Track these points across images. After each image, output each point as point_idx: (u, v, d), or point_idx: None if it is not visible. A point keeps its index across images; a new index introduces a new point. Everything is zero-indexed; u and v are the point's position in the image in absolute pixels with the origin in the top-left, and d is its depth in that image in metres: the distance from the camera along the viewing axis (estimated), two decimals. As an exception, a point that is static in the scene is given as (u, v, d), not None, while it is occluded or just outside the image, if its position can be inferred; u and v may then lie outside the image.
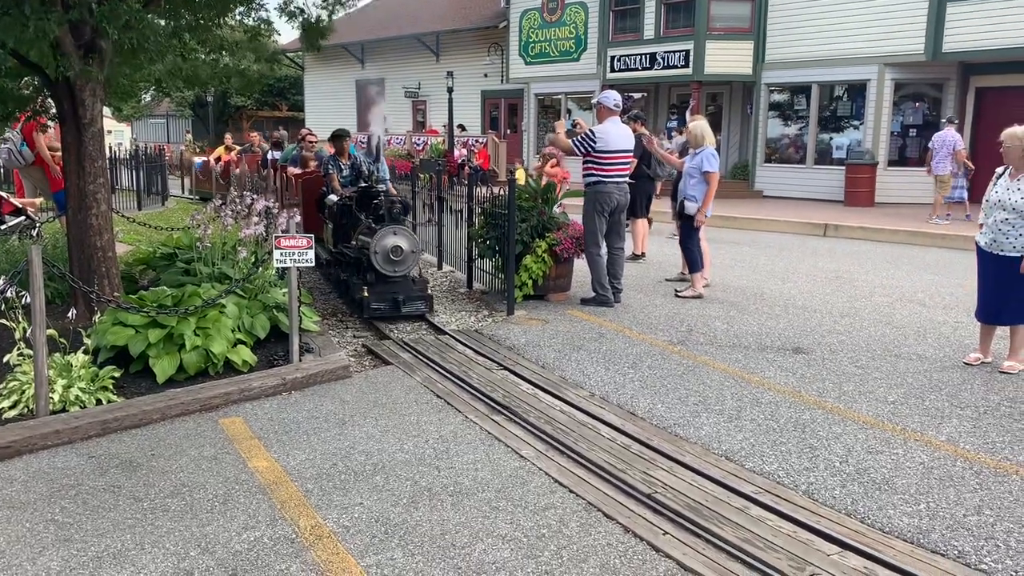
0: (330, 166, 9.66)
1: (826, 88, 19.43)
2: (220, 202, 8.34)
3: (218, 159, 19.43)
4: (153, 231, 10.48)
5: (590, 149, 7.96)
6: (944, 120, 15.95)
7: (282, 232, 6.15)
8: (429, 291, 7.88)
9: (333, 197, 9.10)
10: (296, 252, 5.92)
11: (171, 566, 3.43)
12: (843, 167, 18.52)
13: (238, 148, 19.43)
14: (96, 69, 6.22)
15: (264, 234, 7.62)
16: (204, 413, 5.25)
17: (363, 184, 8.70)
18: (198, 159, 21.81)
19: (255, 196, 8.24)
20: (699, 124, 8.88)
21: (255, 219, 7.57)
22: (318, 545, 3.59)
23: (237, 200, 8.34)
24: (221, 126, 36.31)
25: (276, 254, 5.91)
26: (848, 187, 18.17)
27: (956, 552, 3.56)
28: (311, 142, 12.45)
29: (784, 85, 20.04)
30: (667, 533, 3.70)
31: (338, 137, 9.75)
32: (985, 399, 5.50)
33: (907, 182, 18.34)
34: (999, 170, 6.32)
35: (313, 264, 6.16)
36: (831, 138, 19.56)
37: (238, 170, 16.25)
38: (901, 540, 3.66)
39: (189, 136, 37.70)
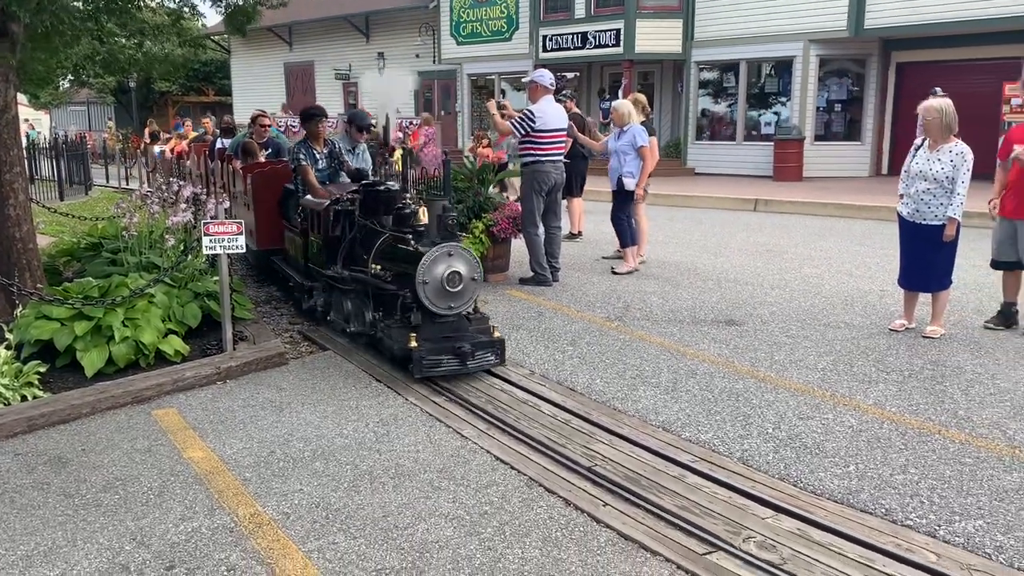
0: (301, 156, 7.31)
1: (754, 65, 19.77)
2: (147, 190, 8.11)
3: (174, 149, 17.71)
4: (77, 221, 10.14)
5: (529, 129, 7.96)
6: (932, 92, 16.38)
7: (211, 218, 6.01)
8: (492, 327, 5.63)
9: (310, 198, 7.01)
10: (226, 238, 5.79)
11: (105, 561, 3.35)
12: (772, 143, 18.90)
13: (193, 135, 17.48)
14: (7, 54, 5.97)
15: (193, 221, 7.44)
16: (136, 405, 5.12)
17: (368, 180, 6.74)
18: (157, 148, 20.34)
19: (182, 183, 8.03)
20: (623, 102, 8.96)
21: (183, 206, 7.38)
22: (258, 533, 3.54)
23: (164, 187, 8.13)
24: (145, 113, 35.21)
25: (205, 241, 5.77)
26: (777, 162, 18.56)
27: (884, 510, 3.69)
28: (264, 126, 10.16)
29: (713, 63, 20.31)
30: (607, 504, 3.75)
31: (312, 117, 7.60)
32: (909, 363, 5.71)
33: (833, 156, 18.83)
34: (917, 141, 6.52)
35: (244, 251, 6.03)
36: (760, 114, 19.94)
37: (188, 162, 13.69)
38: (832, 501, 3.79)
39: (111, 124, 36.48)
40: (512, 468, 4.15)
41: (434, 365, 5.22)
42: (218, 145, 11.85)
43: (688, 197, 15.94)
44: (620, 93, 19.20)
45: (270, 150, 9.76)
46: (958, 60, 17.39)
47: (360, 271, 5.99)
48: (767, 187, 17.07)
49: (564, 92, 11.23)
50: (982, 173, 7.07)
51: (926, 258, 6.41)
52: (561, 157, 8.26)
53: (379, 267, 5.76)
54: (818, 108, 18.97)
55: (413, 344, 5.22)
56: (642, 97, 9.69)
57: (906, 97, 17.62)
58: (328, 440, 4.54)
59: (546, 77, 8.23)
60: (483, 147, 13.27)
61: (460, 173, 8.58)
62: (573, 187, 10.73)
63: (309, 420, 4.84)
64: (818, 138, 18.96)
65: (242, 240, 5.84)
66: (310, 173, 7.26)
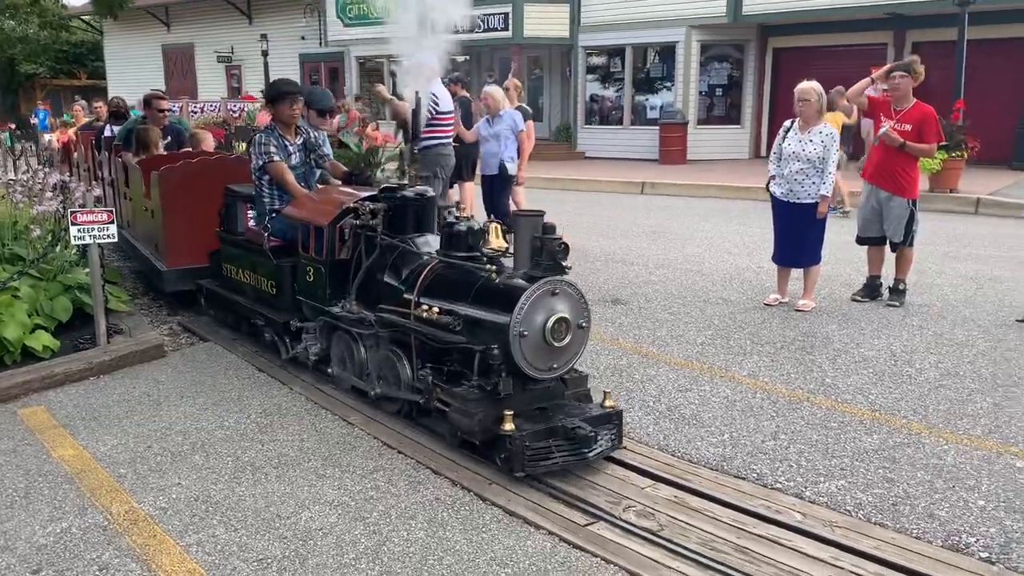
0: (272, 149, 5.49)
1: (639, 50, 20.20)
2: (11, 179, 7.65)
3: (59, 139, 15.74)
4: (-68, 213, 9.47)
5: (435, 112, 7.97)
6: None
7: (79, 207, 5.72)
8: (604, 393, 4.11)
9: (294, 209, 5.28)
10: (96, 228, 5.53)
11: (-35, 569, 3.17)
12: (657, 127, 19.38)
13: (85, 121, 14.65)
14: None
15: (61, 211, 7.06)
16: (0, 405, 4.85)
17: (388, 185, 5.18)
18: (47, 136, 17.97)
19: (48, 170, 7.59)
20: (495, 88, 9.00)
21: (48, 195, 6.99)
22: (133, 530, 3.42)
23: (28, 175, 7.68)
24: (11, 96, 33.13)
25: (73, 230, 5.49)
26: (662, 146, 19.05)
27: (755, 475, 3.88)
28: (162, 111, 8.47)
29: (600, 48, 20.64)
30: (494, 483, 3.79)
31: (283, 95, 5.59)
32: (782, 335, 5.99)
33: (715, 139, 19.45)
34: (787, 124, 6.82)
35: (115, 239, 5.75)
36: (646, 99, 20.41)
37: (76, 154, 11.59)
38: (707, 468, 3.94)
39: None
40: (399, 452, 4.14)
41: (542, 456, 3.72)
42: (106, 133, 9.65)
43: (578, 181, 16.18)
44: (510, 76, 19.27)
45: (168, 139, 8.32)
46: (830, 46, 18.23)
47: (396, 312, 4.37)
48: (654, 170, 17.50)
49: (453, 75, 11.17)
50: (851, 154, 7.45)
51: (798, 235, 6.73)
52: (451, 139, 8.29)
53: (433, 308, 4.11)
54: (700, 92, 19.57)
55: (509, 427, 3.69)
56: (518, 82, 9.80)
57: (783, 82, 18.37)
58: (208, 433, 4.41)
59: (434, 59, 8.21)
60: (372, 130, 13.08)
61: (347, 156, 8.44)
62: (464, 171, 10.72)
63: (188, 413, 4.70)
64: (701, 122, 19.57)
65: (113, 228, 5.58)
66: (288, 174, 5.50)
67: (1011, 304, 6.78)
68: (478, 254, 4.24)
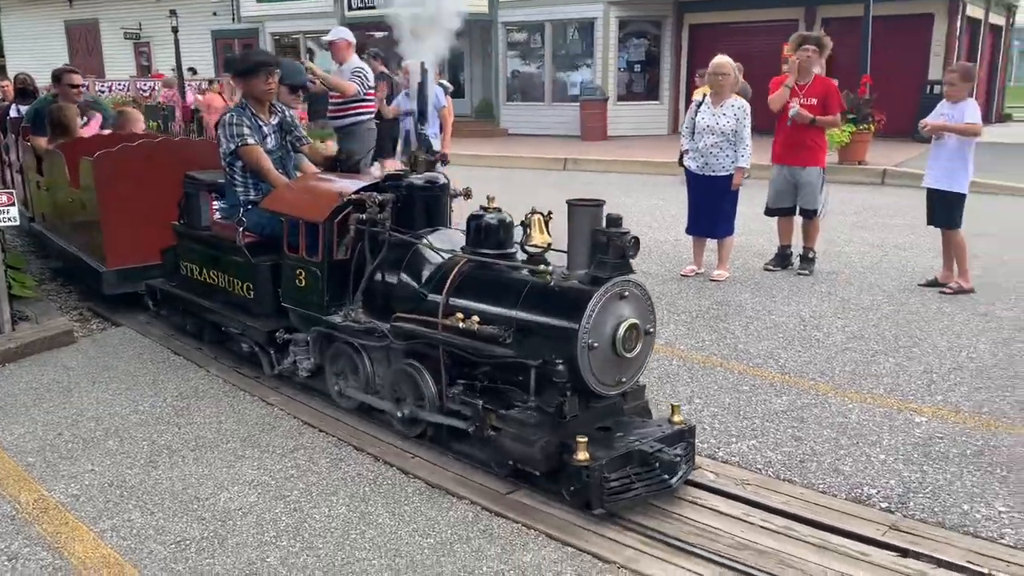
0: (246, 131, 4.79)
1: (558, 26, 20.23)
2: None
3: None
4: None
5: (367, 88, 7.95)
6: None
7: (-24, 189, 5.46)
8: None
9: (277, 204, 4.48)
10: (-5, 210, 5.29)
11: None
12: (578, 103, 19.50)
13: None
14: None
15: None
16: None
17: (394, 172, 4.45)
18: None
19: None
20: (415, 63, 8.92)
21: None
22: (43, 518, 3.33)
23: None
24: None
25: (-29, 214, 5.24)
26: (583, 122, 19.19)
27: (671, 439, 3.98)
28: (76, 86, 7.66)
29: (520, 24, 20.61)
30: (416, 456, 3.81)
31: (259, 68, 4.89)
32: (697, 304, 6.14)
33: (635, 116, 19.68)
34: (697, 98, 6.96)
35: (17, 223, 5.50)
36: (567, 76, 20.49)
37: None
38: (626, 435, 4.03)
39: None
40: (320, 431, 4.12)
41: (622, 488, 3.22)
42: (12, 113, 8.82)
43: (501, 158, 16.19)
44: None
45: (85, 120, 7.65)
46: (744, 22, 18.61)
47: (418, 321, 3.77)
48: (575, 146, 17.63)
49: (372, 51, 11.02)
50: (761, 129, 7.62)
51: (713, 207, 6.89)
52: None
53: (473, 317, 3.52)
54: (620, 69, 19.74)
55: (583, 456, 3.17)
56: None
57: (699, 58, 18.64)
58: (122, 418, 4.30)
59: (352, 35, 8.17)
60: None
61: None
62: (385, 148, 10.61)
63: (101, 399, 4.57)
64: (620, 98, 19.76)
65: (14, 211, 5.35)
66: (266, 159, 4.80)
67: (914, 270, 7.09)
68: (512, 251, 3.76)
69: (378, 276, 4.04)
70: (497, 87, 21.13)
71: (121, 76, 25.51)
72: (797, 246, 7.19)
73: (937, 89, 14.05)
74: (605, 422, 3.49)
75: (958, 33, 17.46)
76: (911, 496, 3.43)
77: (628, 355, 3.37)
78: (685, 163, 7.08)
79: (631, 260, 3.39)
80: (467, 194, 4.33)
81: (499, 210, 3.83)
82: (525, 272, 3.59)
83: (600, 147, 17.43)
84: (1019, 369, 4.84)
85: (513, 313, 3.48)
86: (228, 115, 4.91)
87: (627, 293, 3.38)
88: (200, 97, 21.25)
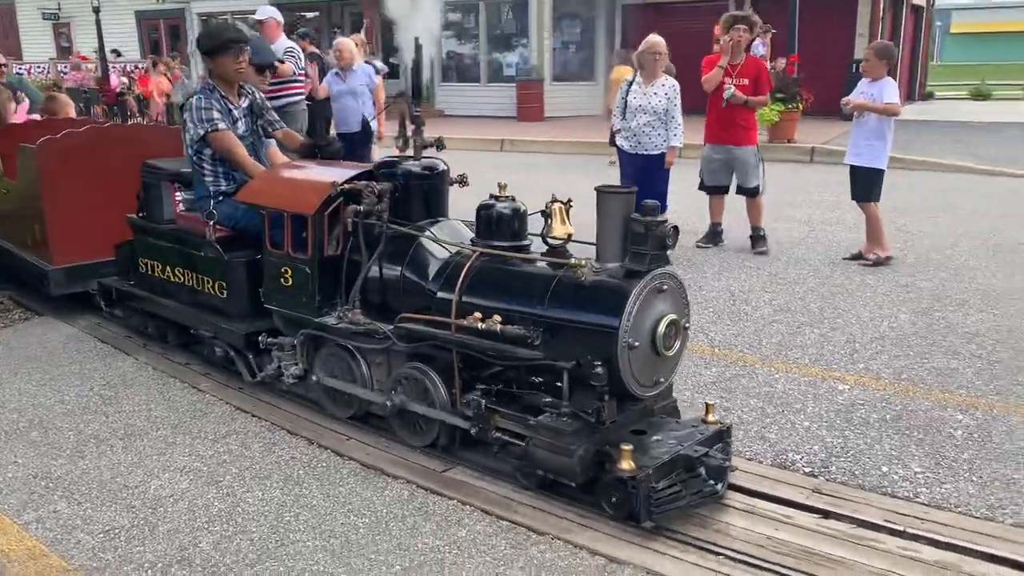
0: (216, 116, 4.37)
1: (492, 6, 20.15)
2: None
3: None
4: None
5: (299, 68, 7.85)
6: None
7: None
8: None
9: (256, 196, 4.11)
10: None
11: None
12: (514, 84, 19.48)
13: None
14: None
15: None
16: None
17: (386, 159, 3.99)
18: None
19: None
20: (348, 41, 8.83)
21: None
22: (-37, 514, 3.24)
23: None
24: None
25: None
26: (520, 103, 19.18)
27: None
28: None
29: (455, 3, 20.44)
30: (351, 438, 3.81)
31: (229, 45, 4.43)
32: (631, 282, 6.23)
33: (570, 96, 19.74)
34: (628, 77, 7.02)
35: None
36: (503, 56, 20.44)
37: None
38: (560, 410, 4.08)
39: None
40: (253, 415, 4.08)
41: (671, 498, 3.02)
42: None
43: (437, 138, 16.07)
44: (363, 33, 18.84)
45: (16, 105, 7.28)
46: (676, 2, 18.79)
47: (426, 321, 3.48)
48: (512, 127, 17.63)
49: (301, 31, 10.84)
50: (693, 109, 7.73)
51: (646, 185, 6.96)
52: None
53: (495, 317, 3.24)
54: (555, 49, 19.76)
55: (627, 465, 2.97)
56: (362, 37, 9.70)
57: (632, 38, 18.79)
58: (47, 408, 4.20)
59: (280, 14, 8.05)
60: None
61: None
62: (319, 129, 10.46)
63: (24, 389, 4.44)
64: (556, 79, 19.80)
65: (-75, 198, 5.12)
66: (240, 146, 4.42)
67: (839, 244, 7.31)
68: (527, 243, 3.52)
69: (375, 273, 3.71)
70: (432, 68, 20.96)
71: (40, 58, 24.58)
72: (729, 225, 7.32)
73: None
74: (638, 425, 3.29)
75: (882, 13, 17.93)
76: (833, 460, 3.56)
77: (668, 353, 3.18)
78: (618, 143, 7.14)
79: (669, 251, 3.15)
80: (462, 181, 4.09)
81: (512, 198, 3.58)
82: (543, 265, 3.34)
83: (536, 128, 17.46)
84: (936, 337, 5.04)
85: (540, 311, 3.21)
86: (196, 98, 4.45)
87: (665, 287, 3.17)
88: (125, 80, 20.64)
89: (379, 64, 9.94)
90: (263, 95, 4.85)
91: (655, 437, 3.21)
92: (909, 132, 14.11)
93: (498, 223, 3.52)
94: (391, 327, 3.57)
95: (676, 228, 3.14)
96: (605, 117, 13.94)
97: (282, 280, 3.92)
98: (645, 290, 3.07)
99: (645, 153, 6.88)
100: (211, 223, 4.30)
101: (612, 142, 7.63)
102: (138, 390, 4.42)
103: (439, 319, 3.44)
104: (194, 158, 4.48)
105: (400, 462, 3.58)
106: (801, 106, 13.53)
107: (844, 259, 6.78)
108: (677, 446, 3.14)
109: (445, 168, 3.97)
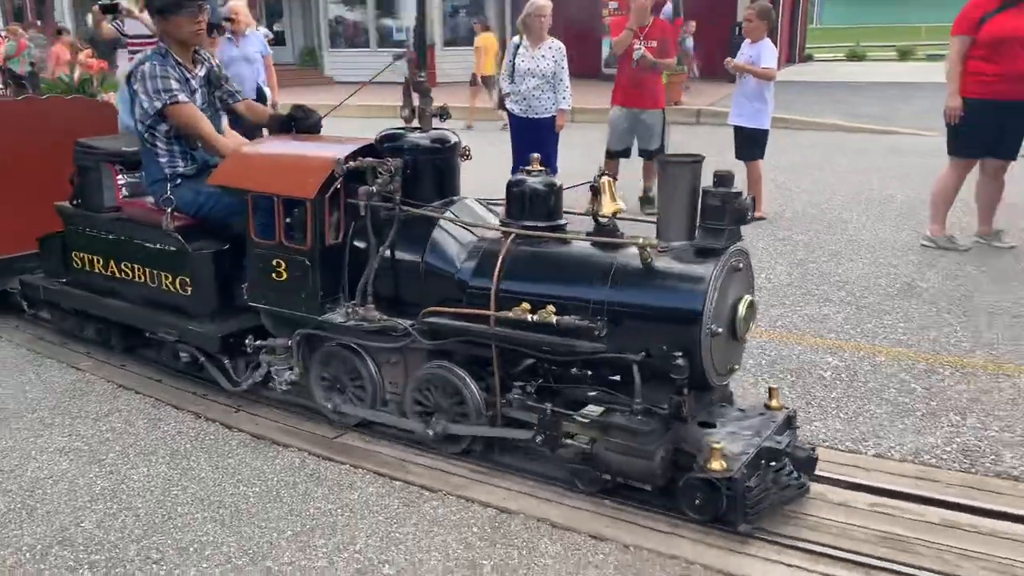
0: (174, 84, 3.76)
1: (380, -30, 19.77)
2: None
3: None
4: None
5: None
6: None
7: None
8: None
9: (236, 177, 3.55)
10: None
11: None
12: (404, 50, 19.20)
13: None
14: None
15: None
16: None
17: (389, 131, 3.54)
18: None
19: None
20: (241, 3, 8.51)
21: None
22: None
23: None
24: None
25: None
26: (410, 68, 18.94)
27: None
28: None
29: (340, -33, 19.98)
30: (240, 410, 3.76)
31: (183, 3, 3.73)
32: (523, 244, 6.29)
33: (463, 61, 19.59)
34: (515, 40, 7.03)
35: None
36: (393, 21, 20.12)
37: None
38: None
39: None
40: (137, 392, 3.97)
41: (759, 499, 2.70)
42: None
43: (328, 107, 15.71)
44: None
45: None
46: (564, -33, 18.81)
47: (458, 316, 3.10)
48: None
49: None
50: (580, 74, 7.82)
51: (538, 148, 6.99)
52: None
53: (549, 307, 2.87)
54: (445, 14, 19.57)
55: (718, 465, 2.66)
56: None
57: (522, 2, 18.79)
58: (-90, 396, 3.98)
59: None
60: (87, 56, 11.84)
61: (57, 87, 7.65)
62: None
63: None
64: (447, 43, 19.63)
65: None
66: (205, 120, 3.82)
67: (722, 201, 7.54)
68: (564, 222, 3.17)
69: (387, 263, 3.28)
70: (319, 34, 20.46)
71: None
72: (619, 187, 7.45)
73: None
74: (702, 417, 2.98)
75: (762, -23, 18.44)
76: (713, 406, 3.72)
77: (741, 335, 2.90)
78: (507, 106, 7.16)
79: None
80: (466, 154, 3.67)
81: (544, 170, 3.22)
82: (587, 246, 3.01)
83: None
84: (810, 287, 5.31)
85: (602, 299, 2.86)
86: (147, 65, 3.75)
87: (741, 265, 2.88)
88: (37, 51, 19.18)
89: (265, 30, 9.66)
90: (219, 62, 4.24)
91: (728, 429, 2.91)
92: (791, 93, 14.66)
93: (532, 200, 3.14)
94: (411, 323, 3.19)
95: (754, 199, 2.93)
96: (474, 84, 14.01)
97: (273, 275, 3.42)
98: (724, 270, 2.78)
99: (535, 116, 6.93)
100: (168, 210, 3.74)
101: (501, 105, 7.64)
102: (11, 372, 4.23)
103: (474, 311, 3.07)
104: (145, 135, 3.84)
105: (291, 431, 3.56)
106: (686, 69, 13.87)
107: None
108: (755, 438, 2.85)
109: (457, 140, 3.55)
